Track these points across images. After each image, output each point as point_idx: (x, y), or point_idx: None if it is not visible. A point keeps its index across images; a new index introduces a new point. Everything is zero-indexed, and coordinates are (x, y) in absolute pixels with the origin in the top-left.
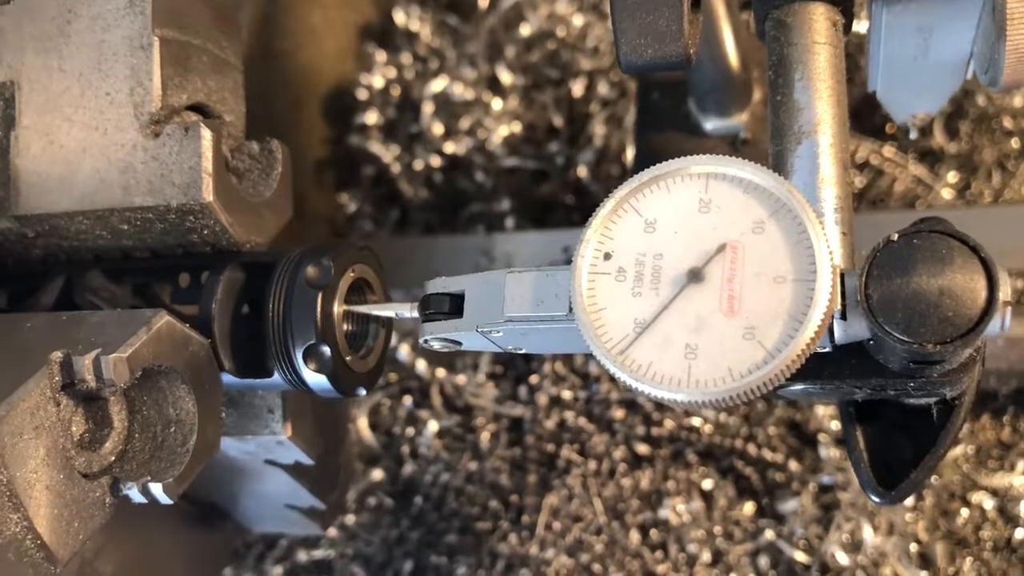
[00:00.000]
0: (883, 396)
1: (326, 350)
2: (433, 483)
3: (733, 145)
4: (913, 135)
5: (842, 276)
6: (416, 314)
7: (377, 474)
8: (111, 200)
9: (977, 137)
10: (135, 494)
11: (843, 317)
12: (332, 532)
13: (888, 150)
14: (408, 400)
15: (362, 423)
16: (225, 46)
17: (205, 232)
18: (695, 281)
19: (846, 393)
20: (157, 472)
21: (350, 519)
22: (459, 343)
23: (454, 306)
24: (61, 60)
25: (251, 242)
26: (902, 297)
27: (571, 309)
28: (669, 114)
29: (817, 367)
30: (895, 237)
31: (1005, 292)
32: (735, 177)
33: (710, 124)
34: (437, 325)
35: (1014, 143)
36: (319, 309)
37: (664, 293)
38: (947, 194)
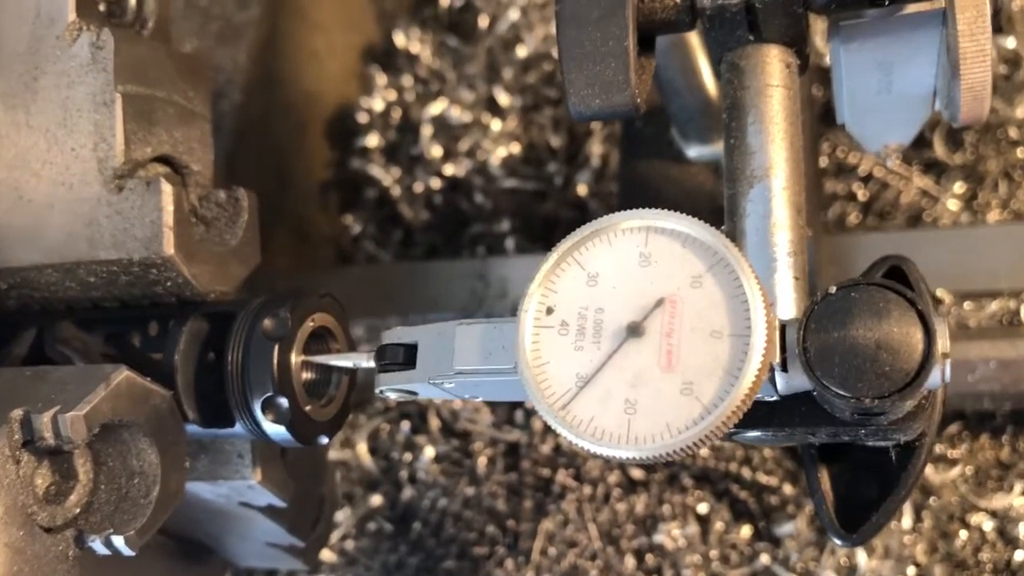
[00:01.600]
0: (840, 440)
1: (283, 402)
2: (431, 508)
3: (716, 171)
4: (890, 163)
5: (783, 328)
6: (373, 364)
7: (376, 499)
8: (77, 254)
9: (983, 148)
10: (98, 546)
11: (784, 369)
12: (332, 557)
13: (893, 162)
14: (406, 425)
15: (361, 448)
16: (192, 96)
17: (168, 284)
18: (634, 335)
19: (800, 438)
20: (120, 524)
21: (349, 544)
22: (415, 393)
23: (408, 356)
24: (29, 116)
25: (215, 291)
26: (839, 351)
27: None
28: (653, 141)
29: (766, 415)
30: (833, 290)
31: (944, 344)
32: (673, 231)
33: (693, 151)
34: (392, 376)
35: (1020, 153)
36: (275, 361)
37: (605, 347)
38: (953, 205)
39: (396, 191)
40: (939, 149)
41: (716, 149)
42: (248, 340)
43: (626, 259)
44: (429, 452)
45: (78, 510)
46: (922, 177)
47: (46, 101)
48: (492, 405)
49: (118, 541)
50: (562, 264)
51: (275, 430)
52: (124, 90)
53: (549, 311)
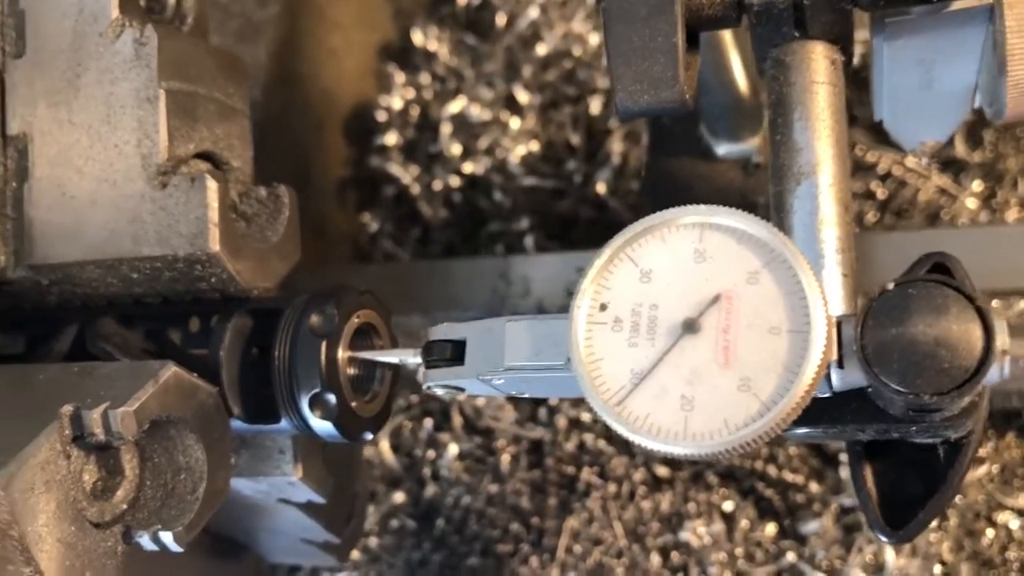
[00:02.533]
0: (888, 437)
1: (331, 398)
2: (455, 505)
3: (745, 169)
4: (924, 161)
5: (839, 324)
6: (419, 360)
7: (399, 496)
8: (120, 250)
9: (1002, 146)
10: (146, 542)
11: (840, 366)
12: (355, 554)
13: (911, 160)
14: (429, 423)
15: (384, 445)
16: (231, 92)
17: (213, 280)
18: (690, 332)
19: (850, 435)
20: (167, 520)
21: (373, 541)
22: (462, 389)
23: (456, 352)
24: (71, 113)
25: (258, 288)
26: (898, 348)
27: (569, 359)
28: (681, 139)
29: (817, 412)
30: (890, 286)
31: (1003, 341)
32: (729, 227)
33: (722, 148)
34: (439, 372)
35: None
36: (323, 357)
37: (660, 344)
38: (972, 204)
39: (415, 189)
40: (959, 147)
41: (746, 146)
42: (295, 336)
43: (680, 255)
44: (453, 449)
45: (125, 506)
46: (940, 175)
47: (89, 98)
48: (515, 402)
49: (166, 537)
50: (615, 261)
51: (322, 426)
52: (167, 86)
53: (603, 308)
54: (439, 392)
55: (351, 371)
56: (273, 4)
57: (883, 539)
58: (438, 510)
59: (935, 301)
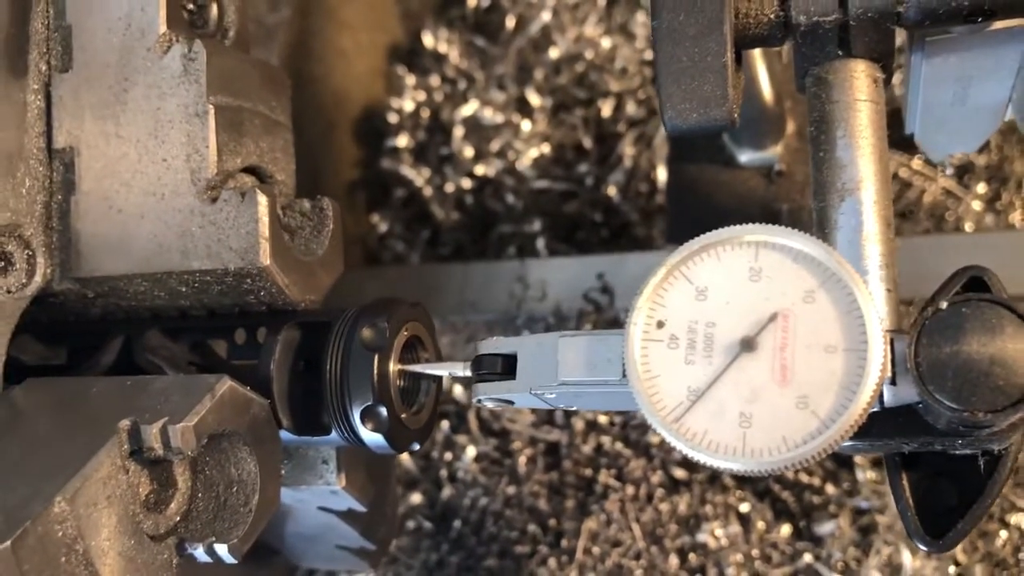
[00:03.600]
0: (929, 449)
1: (383, 411)
2: (472, 507)
3: (768, 177)
4: (949, 171)
5: (891, 341)
6: (469, 373)
7: (416, 497)
8: (169, 264)
9: (1007, 148)
10: (200, 554)
11: (893, 382)
12: None
13: (917, 163)
14: (445, 425)
15: None
16: (275, 106)
17: (262, 293)
18: (748, 350)
19: (893, 448)
20: (221, 532)
21: (389, 547)
22: (511, 402)
23: (506, 366)
24: (118, 127)
25: (306, 300)
26: (952, 366)
27: (624, 374)
28: (703, 146)
29: (866, 426)
30: (944, 305)
31: None
32: (784, 246)
33: (745, 156)
34: (490, 386)
35: None
36: (376, 370)
37: (717, 362)
38: (977, 206)
39: (427, 191)
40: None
41: (768, 155)
42: (347, 350)
43: (736, 274)
44: (470, 451)
45: (178, 518)
46: (946, 177)
47: (136, 112)
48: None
49: (221, 549)
50: (669, 278)
51: (373, 438)
52: (216, 101)
53: (660, 325)
54: (489, 405)
55: (400, 383)
56: (285, 7)
57: (924, 548)
58: (455, 512)
59: (989, 321)
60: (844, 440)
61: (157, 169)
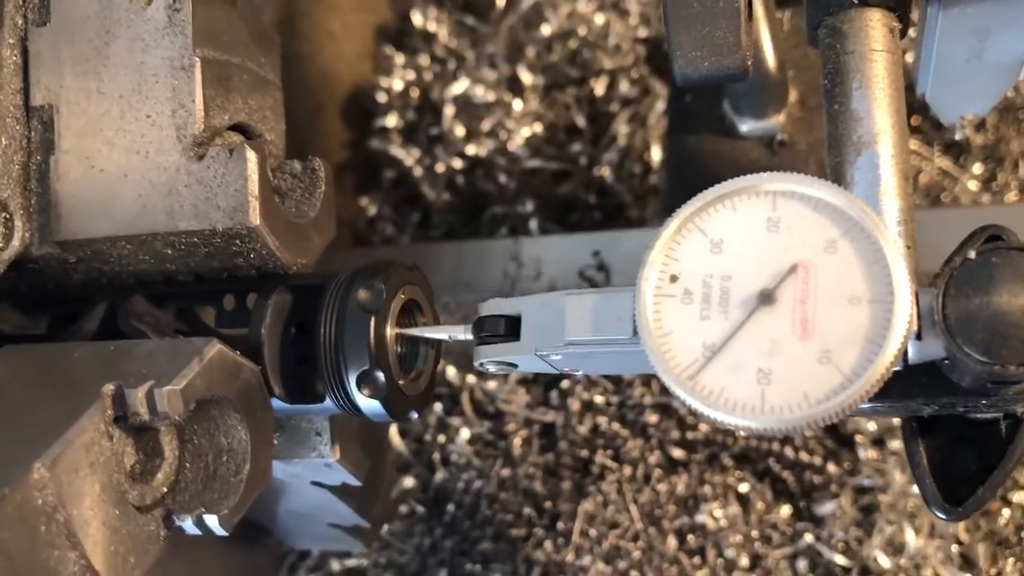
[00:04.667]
0: (950, 412)
1: (380, 375)
2: (466, 490)
3: (770, 147)
4: (959, 136)
5: (916, 295)
6: (470, 336)
7: (408, 481)
8: (154, 225)
9: (1003, 128)
10: (189, 526)
11: (918, 337)
12: None
13: (913, 143)
14: (438, 407)
15: (392, 430)
16: (264, 63)
17: (251, 256)
18: (766, 303)
19: (914, 410)
20: (210, 503)
21: (383, 527)
22: (515, 365)
23: (510, 328)
24: (100, 82)
25: (297, 264)
26: (982, 317)
27: (635, 332)
28: (703, 116)
29: (886, 386)
30: (972, 255)
31: None
32: (804, 195)
33: (746, 126)
34: (493, 348)
35: None
36: (372, 333)
37: (734, 316)
38: (973, 186)
39: (417, 171)
40: (965, 129)
41: (770, 124)
42: (342, 313)
43: (752, 225)
44: (464, 434)
45: (165, 489)
46: (943, 157)
47: (119, 67)
48: (527, 385)
49: (211, 520)
50: (683, 231)
51: (369, 405)
52: (202, 54)
53: (673, 279)
54: (491, 369)
55: (398, 349)
56: None
57: (941, 516)
58: (449, 495)
59: (1020, 269)
60: (869, 396)
61: (141, 126)
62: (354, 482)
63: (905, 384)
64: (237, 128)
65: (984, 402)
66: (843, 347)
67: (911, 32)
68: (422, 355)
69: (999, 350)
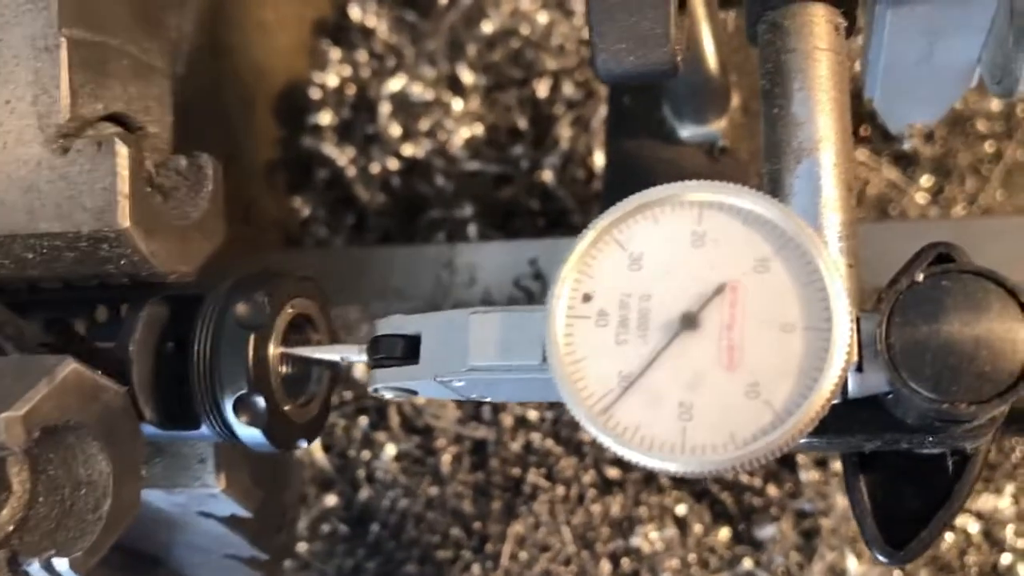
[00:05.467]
0: (894, 448)
1: (259, 400)
2: (391, 509)
3: (710, 153)
4: (907, 146)
5: (857, 321)
6: (364, 358)
7: (331, 499)
8: (12, 225)
9: (952, 140)
10: (36, 570)
11: (859, 369)
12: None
13: (862, 153)
14: (364, 421)
15: (315, 445)
16: (147, 48)
17: (122, 262)
18: (689, 328)
19: (854, 446)
20: (63, 543)
21: (303, 547)
22: (414, 392)
23: (408, 349)
24: None
25: (176, 272)
26: (931, 348)
27: (545, 358)
28: (642, 120)
29: (823, 422)
30: (920, 277)
31: None
32: (733, 207)
33: (686, 131)
34: (389, 372)
35: (988, 147)
36: (251, 353)
37: (653, 341)
38: (921, 199)
39: (351, 171)
40: (914, 140)
41: (711, 129)
42: (218, 328)
43: (676, 239)
44: (390, 450)
45: (11, 527)
46: (891, 168)
47: None
48: (458, 400)
49: (60, 565)
50: (599, 244)
51: (248, 433)
52: (70, 34)
53: (586, 298)
54: (387, 395)
55: (283, 369)
56: None
57: (883, 560)
58: (373, 514)
59: (974, 296)
60: (803, 435)
61: None
62: (245, 513)
63: (845, 420)
64: (114, 119)
65: (931, 439)
66: (774, 380)
67: (859, 38)
68: (314, 377)
69: (949, 387)
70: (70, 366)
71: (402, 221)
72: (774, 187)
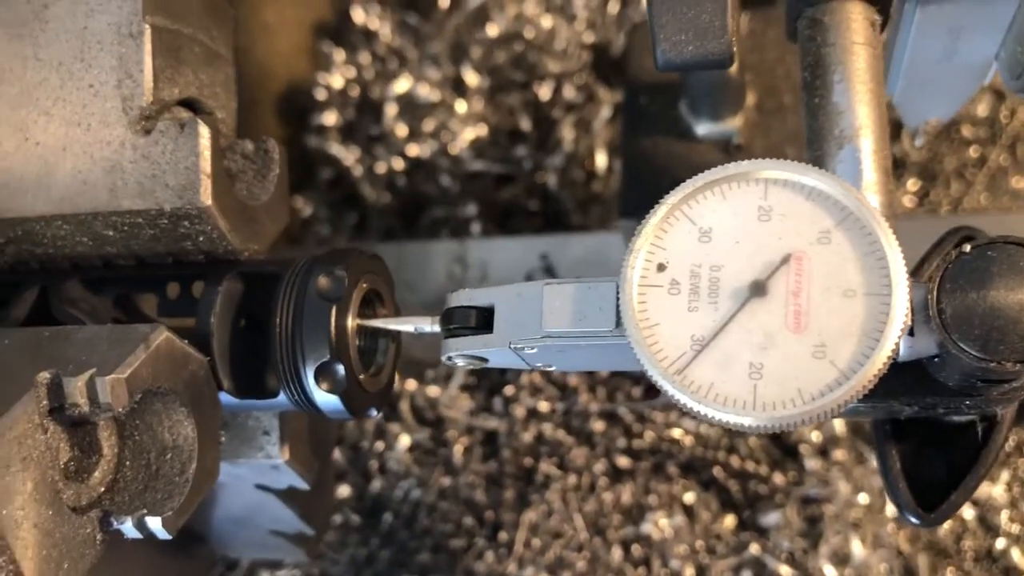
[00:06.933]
0: (930, 414)
1: (340, 368)
2: (404, 499)
3: (726, 150)
4: (919, 142)
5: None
6: (437, 328)
7: (344, 490)
8: (95, 203)
9: (937, 144)
10: (129, 529)
11: (911, 333)
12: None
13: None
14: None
15: None
16: (216, 36)
17: (200, 239)
18: (757, 295)
19: (894, 411)
20: (153, 504)
21: (324, 535)
22: (485, 360)
23: (481, 320)
24: (37, 48)
25: (249, 249)
26: (979, 313)
27: (618, 324)
28: (658, 118)
29: None
30: (968, 248)
31: None
32: (798, 183)
33: (702, 128)
34: (463, 341)
35: (972, 152)
36: (333, 323)
37: (724, 308)
38: (908, 202)
39: (357, 171)
40: (905, 143)
41: (727, 127)
42: (300, 301)
43: (743, 214)
44: (403, 441)
45: (102, 489)
46: None
47: (59, 31)
48: (470, 391)
49: (153, 523)
50: (670, 218)
51: (327, 400)
52: (153, 21)
53: (660, 268)
54: (460, 363)
55: (357, 342)
56: None
57: (914, 522)
58: (386, 504)
59: (1018, 264)
60: (865, 392)
61: (83, 96)
62: (303, 485)
63: (889, 384)
64: (185, 104)
65: (968, 402)
66: (838, 341)
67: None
68: (382, 349)
69: (996, 347)
70: (163, 334)
71: (405, 220)
72: None
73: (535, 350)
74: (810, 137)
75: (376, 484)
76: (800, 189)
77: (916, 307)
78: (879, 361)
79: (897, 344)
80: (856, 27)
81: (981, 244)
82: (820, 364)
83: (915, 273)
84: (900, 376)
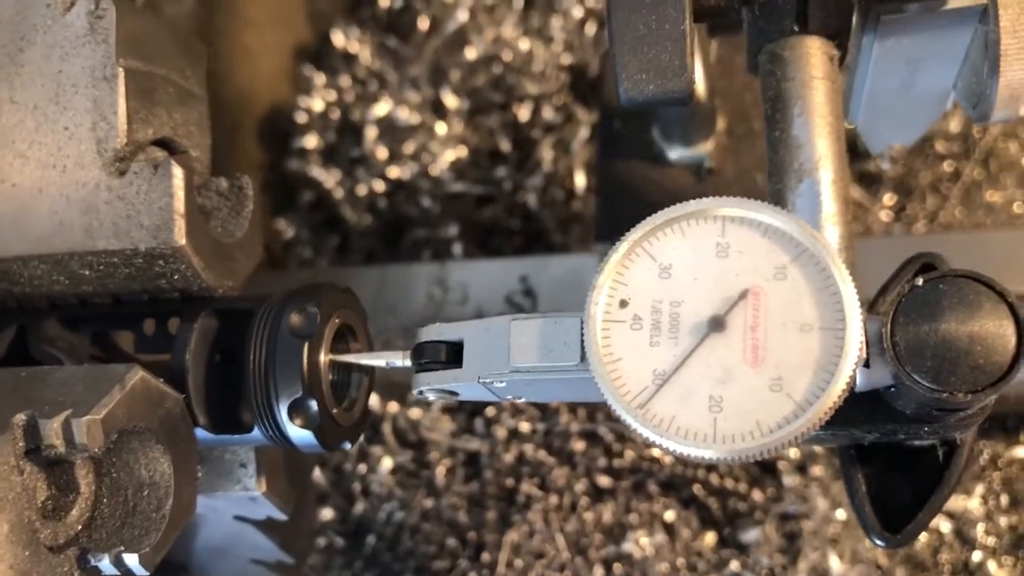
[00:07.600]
0: (891, 439)
1: (313, 404)
2: (387, 521)
3: (698, 174)
4: (886, 166)
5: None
6: (408, 363)
7: (327, 513)
8: (71, 243)
9: (911, 160)
10: (106, 566)
11: (866, 365)
12: None
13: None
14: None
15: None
16: (189, 75)
17: (175, 277)
18: (717, 330)
19: (856, 438)
20: (130, 540)
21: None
22: (456, 393)
23: (451, 354)
24: (13, 91)
25: (223, 286)
26: (931, 345)
27: (583, 358)
28: (631, 142)
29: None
30: (920, 282)
31: None
32: (754, 220)
33: (675, 153)
34: (433, 376)
35: (947, 166)
36: (305, 360)
37: (684, 343)
38: (884, 216)
39: (338, 193)
40: (893, 158)
41: (698, 151)
42: (273, 338)
43: (702, 250)
44: (386, 463)
45: (79, 526)
46: (855, 187)
47: (34, 75)
48: (452, 414)
49: (131, 560)
50: (631, 255)
51: (300, 435)
52: (126, 64)
53: (623, 304)
54: (431, 397)
55: (330, 376)
56: None
57: (880, 544)
58: (369, 527)
59: (967, 297)
60: (821, 423)
61: (58, 139)
62: (280, 516)
63: (849, 413)
64: (160, 143)
65: (926, 428)
66: (794, 374)
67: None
68: (355, 383)
69: (948, 378)
70: (138, 374)
71: (387, 241)
72: (778, 204)
73: (504, 384)
74: (771, 170)
75: (359, 506)
76: (756, 226)
77: (871, 339)
78: (835, 394)
79: (853, 376)
80: (815, 62)
81: (933, 278)
82: (777, 397)
83: (875, 303)
84: (859, 405)
